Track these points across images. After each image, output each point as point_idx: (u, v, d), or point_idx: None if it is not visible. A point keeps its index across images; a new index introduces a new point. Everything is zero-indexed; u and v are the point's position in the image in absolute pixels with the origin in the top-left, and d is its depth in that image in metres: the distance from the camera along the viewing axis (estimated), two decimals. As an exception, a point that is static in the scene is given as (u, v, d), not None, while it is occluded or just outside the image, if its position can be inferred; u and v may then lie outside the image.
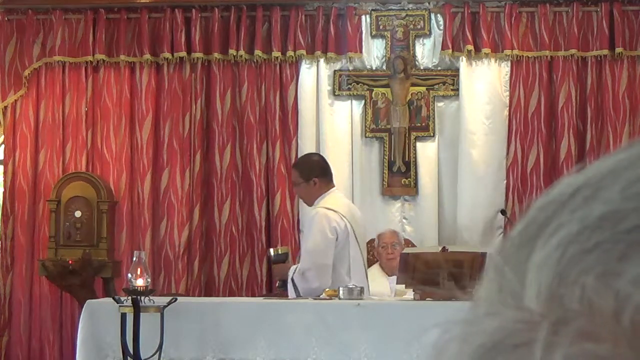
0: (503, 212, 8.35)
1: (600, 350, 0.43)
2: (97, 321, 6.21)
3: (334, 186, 6.98)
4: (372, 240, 8.12)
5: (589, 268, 0.44)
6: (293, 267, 6.67)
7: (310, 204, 6.94)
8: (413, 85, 8.75)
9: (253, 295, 8.31)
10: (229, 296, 8.46)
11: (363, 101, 8.78)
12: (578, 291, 0.44)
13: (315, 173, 6.85)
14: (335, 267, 6.61)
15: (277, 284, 6.81)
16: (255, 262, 8.67)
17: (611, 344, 0.43)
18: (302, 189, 6.89)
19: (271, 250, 6.95)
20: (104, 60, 8.90)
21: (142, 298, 5.76)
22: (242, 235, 8.72)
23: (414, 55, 8.79)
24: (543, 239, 0.46)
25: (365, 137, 8.77)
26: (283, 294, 6.61)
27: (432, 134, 8.72)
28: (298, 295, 6.48)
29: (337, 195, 7.05)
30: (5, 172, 8.99)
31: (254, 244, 8.69)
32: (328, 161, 7.38)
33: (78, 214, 8.46)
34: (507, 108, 8.68)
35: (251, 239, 8.71)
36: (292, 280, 6.54)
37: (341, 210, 6.78)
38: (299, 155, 8.42)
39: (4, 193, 8.98)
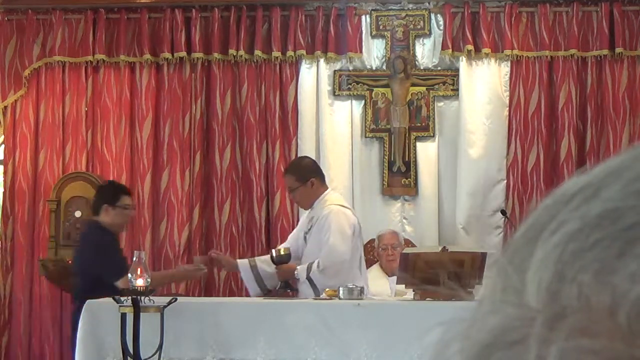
0: (503, 212, 8.35)
1: (596, 345, 0.43)
2: (97, 321, 6.21)
3: (328, 187, 7.02)
4: (372, 241, 8.13)
5: (588, 265, 0.45)
6: (301, 267, 6.68)
7: (307, 207, 6.94)
8: (413, 85, 8.75)
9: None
10: (229, 296, 8.46)
11: (363, 101, 8.78)
12: (576, 288, 0.45)
13: (311, 174, 6.87)
14: (350, 261, 6.66)
15: (279, 285, 6.80)
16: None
17: (607, 340, 0.43)
18: (299, 192, 6.88)
19: (273, 251, 6.88)
20: (104, 60, 8.90)
21: (142, 298, 5.75)
22: (242, 235, 8.72)
23: (414, 55, 8.79)
24: (544, 237, 0.47)
25: (365, 137, 8.77)
26: (285, 295, 6.61)
27: (432, 134, 8.72)
28: (317, 293, 6.52)
29: (337, 195, 7.12)
30: (5, 172, 8.99)
31: (253, 244, 8.69)
32: (326, 162, 7.43)
33: (78, 214, 8.46)
34: (507, 108, 8.68)
35: (251, 239, 8.71)
36: (309, 279, 6.57)
37: (350, 207, 6.90)
38: (299, 155, 8.44)
39: (4, 193, 8.98)
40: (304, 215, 7.17)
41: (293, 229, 8.63)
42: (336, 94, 8.78)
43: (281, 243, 8.17)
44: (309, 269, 6.63)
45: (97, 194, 7.32)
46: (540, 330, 0.44)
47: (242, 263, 7.01)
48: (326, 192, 6.90)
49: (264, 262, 6.85)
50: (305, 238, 6.89)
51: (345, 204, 6.98)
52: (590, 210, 0.46)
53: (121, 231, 7.33)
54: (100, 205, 7.03)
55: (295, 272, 6.68)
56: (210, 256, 7.31)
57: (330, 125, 8.73)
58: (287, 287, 6.66)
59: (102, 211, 6.99)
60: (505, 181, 8.63)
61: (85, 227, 7.45)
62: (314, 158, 8.28)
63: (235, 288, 8.67)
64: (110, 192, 7.10)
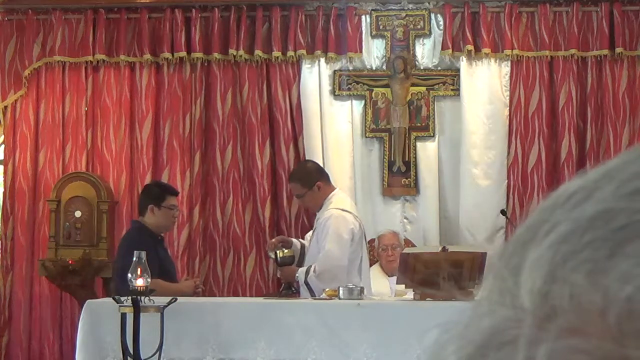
0: (503, 212, 8.34)
1: (586, 345, 0.44)
2: (97, 321, 6.21)
3: (334, 187, 7.01)
4: (372, 241, 8.12)
5: (579, 266, 0.45)
6: (301, 270, 6.68)
7: (317, 209, 6.93)
8: (413, 85, 8.75)
9: (255, 296, 8.32)
10: (230, 296, 8.46)
11: (363, 101, 8.78)
12: (567, 288, 0.45)
13: (316, 178, 6.87)
14: (348, 266, 6.65)
15: (282, 287, 6.79)
16: (255, 262, 8.67)
17: (597, 340, 0.44)
18: (307, 198, 6.87)
19: (277, 252, 6.83)
20: (104, 60, 8.90)
21: (142, 298, 5.75)
22: (244, 235, 8.72)
23: (414, 55, 8.80)
24: (538, 239, 0.47)
25: (365, 137, 8.77)
26: (289, 296, 6.61)
27: (432, 134, 8.73)
28: (313, 297, 6.52)
29: (343, 196, 7.10)
30: (5, 172, 8.99)
31: (259, 244, 8.68)
32: (328, 162, 7.42)
33: (78, 214, 8.47)
34: (508, 108, 8.68)
35: (255, 238, 8.71)
36: (307, 283, 6.57)
37: (353, 210, 6.86)
38: (305, 155, 8.45)
39: (4, 193, 8.98)
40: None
41: (297, 229, 8.66)
42: (336, 94, 8.79)
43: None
44: (307, 272, 6.63)
45: (143, 193, 7.24)
46: (530, 330, 0.45)
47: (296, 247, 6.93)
48: (333, 192, 6.89)
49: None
50: (311, 240, 6.91)
51: (349, 207, 6.92)
52: (583, 212, 0.47)
53: (165, 232, 7.26)
54: (145, 205, 6.96)
55: (296, 275, 6.69)
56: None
57: (331, 125, 8.73)
58: (289, 288, 6.66)
59: (147, 211, 6.94)
60: (506, 181, 8.63)
61: (129, 227, 7.42)
62: (320, 158, 8.30)
63: (239, 288, 8.67)
64: (156, 192, 7.03)
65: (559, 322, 0.44)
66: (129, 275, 5.76)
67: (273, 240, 7.09)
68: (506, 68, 8.70)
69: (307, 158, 8.33)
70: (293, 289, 6.66)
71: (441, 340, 0.48)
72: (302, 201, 7.14)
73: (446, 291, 5.70)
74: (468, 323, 0.47)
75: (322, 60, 8.77)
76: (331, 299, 6.31)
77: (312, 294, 6.56)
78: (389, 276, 7.64)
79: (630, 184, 0.47)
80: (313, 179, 6.84)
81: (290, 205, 8.68)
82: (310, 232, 7.21)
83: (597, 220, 0.46)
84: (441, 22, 8.77)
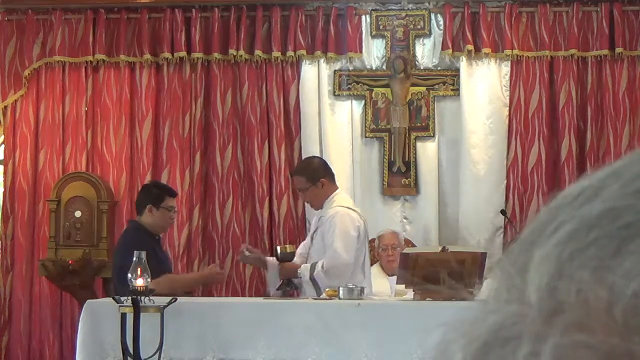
0: (503, 212, 8.35)
1: (592, 340, 0.44)
2: (97, 321, 6.21)
3: (338, 187, 7.03)
4: (372, 241, 8.12)
5: (586, 263, 0.46)
6: (304, 266, 6.70)
7: (318, 207, 6.95)
8: (413, 85, 8.75)
9: (256, 296, 8.33)
10: (232, 296, 8.46)
11: (363, 101, 8.79)
12: (574, 285, 0.46)
13: (321, 174, 6.90)
14: (353, 265, 6.69)
15: (280, 283, 6.81)
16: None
17: (603, 335, 0.44)
18: (310, 193, 6.90)
19: (278, 248, 6.92)
20: (104, 60, 8.90)
21: (142, 298, 5.76)
22: (244, 234, 8.73)
23: (414, 55, 8.80)
24: (545, 237, 0.48)
25: (365, 137, 8.78)
26: (288, 292, 6.63)
27: (432, 134, 8.73)
28: (319, 293, 6.54)
29: (345, 196, 7.17)
30: (5, 172, 8.99)
31: (257, 244, 8.68)
32: (327, 161, 7.43)
33: (78, 214, 8.47)
34: (508, 108, 8.69)
35: (254, 238, 8.71)
36: (312, 279, 6.60)
37: (357, 209, 6.92)
38: (302, 155, 8.46)
39: (4, 193, 8.98)
40: (315, 215, 7.19)
41: (297, 229, 8.66)
42: (336, 94, 8.79)
43: (285, 243, 8.19)
44: (312, 268, 6.66)
45: (142, 193, 7.25)
46: (536, 326, 0.45)
47: (272, 263, 6.95)
48: (336, 192, 6.93)
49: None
50: (312, 238, 6.92)
51: (353, 205, 6.99)
52: (590, 211, 0.47)
53: (162, 232, 7.28)
54: (144, 205, 6.97)
55: (298, 272, 6.70)
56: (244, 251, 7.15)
57: (331, 125, 8.74)
58: (289, 284, 6.68)
59: (145, 211, 6.95)
60: (506, 181, 8.63)
61: (126, 226, 7.44)
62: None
63: (239, 288, 8.67)
64: (155, 193, 7.04)
65: (565, 318, 0.45)
66: (129, 275, 5.77)
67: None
68: (506, 68, 8.70)
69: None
70: (293, 285, 6.68)
71: (447, 338, 0.49)
72: (304, 195, 7.19)
73: (447, 291, 5.70)
74: (474, 320, 0.48)
75: (322, 60, 8.78)
76: (331, 299, 6.32)
77: (318, 290, 6.58)
78: (389, 276, 7.64)
79: (636, 183, 0.47)
80: (318, 175, 6.88)
81: (280, 207, 8.68)
82: (307, 240, 7.20)
83: (603, 218, 0.47)
84: (441, 22, 8.77)
